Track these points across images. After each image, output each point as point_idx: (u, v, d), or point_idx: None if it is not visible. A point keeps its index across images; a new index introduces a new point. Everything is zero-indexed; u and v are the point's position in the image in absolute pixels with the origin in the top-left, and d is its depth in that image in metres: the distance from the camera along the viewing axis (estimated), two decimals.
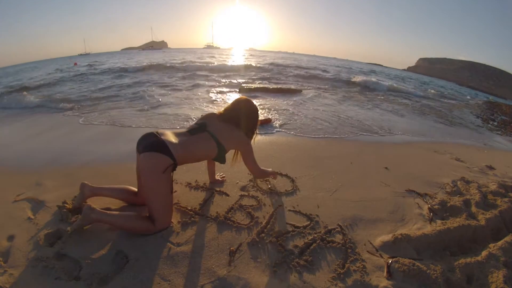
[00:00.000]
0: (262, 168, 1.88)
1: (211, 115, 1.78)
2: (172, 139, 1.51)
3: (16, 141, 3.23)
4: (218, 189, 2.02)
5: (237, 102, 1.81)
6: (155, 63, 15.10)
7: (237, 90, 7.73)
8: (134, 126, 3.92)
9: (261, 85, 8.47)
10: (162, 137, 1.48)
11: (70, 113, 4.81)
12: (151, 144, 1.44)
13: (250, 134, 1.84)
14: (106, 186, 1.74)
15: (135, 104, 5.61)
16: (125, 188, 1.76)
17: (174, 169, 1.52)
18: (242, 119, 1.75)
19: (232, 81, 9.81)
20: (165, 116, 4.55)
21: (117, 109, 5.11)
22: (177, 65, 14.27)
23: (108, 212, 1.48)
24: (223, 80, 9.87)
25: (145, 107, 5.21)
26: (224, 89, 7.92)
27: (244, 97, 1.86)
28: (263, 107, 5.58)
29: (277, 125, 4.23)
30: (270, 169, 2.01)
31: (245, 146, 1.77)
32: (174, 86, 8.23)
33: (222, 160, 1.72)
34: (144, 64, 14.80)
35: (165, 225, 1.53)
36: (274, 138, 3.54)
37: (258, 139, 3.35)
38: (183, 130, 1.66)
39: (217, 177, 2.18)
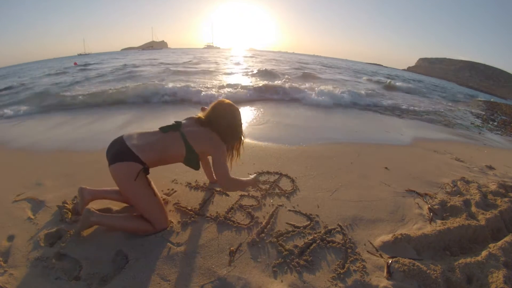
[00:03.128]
0: (234, 178, 1.58)
1: (191, 118, 1.70)
2: (140, 141, 1.46)
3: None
4: (218, 189, 2.02)
5: (216, 106, 1.67)
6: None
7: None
8: None
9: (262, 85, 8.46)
10: (128, 142, 1.43)
11: None
12: (117, 153, 1.41)
13: (230, 139, 1.69)
14: (105, 189, 1.71)
15: None
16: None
17: (147, 172, 1.50)
18: (220, 124, 1.62)
19: None
20: None
21: None
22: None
23: (107, 214, 1.49)
24: None
25: None
26: None
27: (225, 100, 1.72)
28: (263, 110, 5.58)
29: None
30: (250, 177, 1.71)
31: (216, 149, 1.57)
32: None
33: (193, 164, 1.58)
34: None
35: (163, 225, 1.53)
36: (273, 138, 3.54)
37: (258, 139, 3.35)
38: (155, 129, 1.58)
39: None
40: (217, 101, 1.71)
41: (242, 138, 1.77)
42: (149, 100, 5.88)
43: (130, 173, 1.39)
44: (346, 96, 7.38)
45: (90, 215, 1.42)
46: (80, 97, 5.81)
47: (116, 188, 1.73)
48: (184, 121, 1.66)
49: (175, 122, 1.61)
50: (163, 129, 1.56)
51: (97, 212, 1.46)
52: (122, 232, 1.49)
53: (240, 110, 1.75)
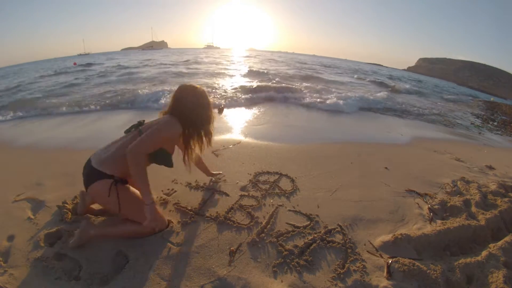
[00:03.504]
0: (144, 166, 1.37)
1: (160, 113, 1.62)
2: (103, 155, 1.41)
3: None
4: (218, 189, 2.02)
5: (177, 91, 1.55)
6: None
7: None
8: None
9: (264, 84, 8.46)
10: (93, 161, 1.41)
11: None
12: (86, 177, 1.41)
13: (198, 124, 1.56)
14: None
15: None
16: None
17: (124, 182, 1.44)
18: (182, 109, 1.50)
19: None
20: None
21: None
22: None
23: (106, 226, 1.48)
24: None
25: None
26: None
27: (187, 83, 1.58)
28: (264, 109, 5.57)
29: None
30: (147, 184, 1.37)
31: (156, 125, 1.44)
32: None
33: (160, 160, 1.48)
34: None
35: (162, 226, 1.51)
36: (274, 138, 3.54)
37: (258, 139, 3.35)
38: (122, 134, 1.52)
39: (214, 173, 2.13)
40: (180, 86, 1.58)
41: (212, 120, 1.62)
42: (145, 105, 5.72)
43: (103, 191, 1.35)
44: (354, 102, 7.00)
45: (89, 228, 1.39)
46: (63, 108, 5.29)
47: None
48: (145, 119, 1.57)
49: (138, 121, 1.54)
50: (126, 131, 1.52)
51: (96, 224, 1.48)
52: None
53: (206, 92, 1.61)
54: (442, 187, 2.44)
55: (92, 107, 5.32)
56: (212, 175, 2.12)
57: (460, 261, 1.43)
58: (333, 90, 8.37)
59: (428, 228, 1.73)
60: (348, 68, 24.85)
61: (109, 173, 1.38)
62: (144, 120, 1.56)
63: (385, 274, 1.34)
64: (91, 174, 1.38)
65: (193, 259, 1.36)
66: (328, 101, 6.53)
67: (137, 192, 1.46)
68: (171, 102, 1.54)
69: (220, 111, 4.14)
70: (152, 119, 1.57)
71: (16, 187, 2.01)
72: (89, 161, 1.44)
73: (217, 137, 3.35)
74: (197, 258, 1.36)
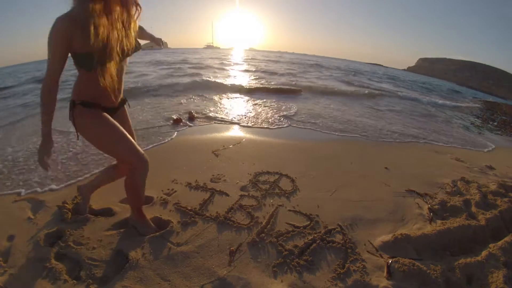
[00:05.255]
0: (52, 92, 1.18)
1: None
2: None
3: None
4: (218, 189, 2.02)
5: None
6: None
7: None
8: None
9: (261, 86, 8.47)
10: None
11: None
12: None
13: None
14: (97, 175, 1.72)
15: None
16: (108, 167, 1.69)
17: (88, 106, 1.26)
18: None
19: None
20: None
21: None
22: None
23: (93, 180, 1.67)
24: None
25: None
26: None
27: None
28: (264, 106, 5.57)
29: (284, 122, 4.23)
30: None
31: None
32: None
33: (80, 64, 1.20)
34: None
35: (139, 159, 1.32)
36: (274, 138, 3.54)
37: (258, 139, 3.35)
38: None
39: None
40: None
41: None
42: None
43: (70, 120, 1.27)
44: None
45: (83, 189, 1.63)
46: None
47: (102, 170, 1.77)
48: None
49: None
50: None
51: (84, 184, 1.68)
52: (122, 231, 1.49)
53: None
54: (442, 187, 2.44)
55: None
56: (155, 40, 1.76)
57: (460, 261, 1.43)
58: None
59: (428, 228, 1.73)
60: (345, 69, 24.27)
61: (71, 100, 1.26)
62: None
63: (385, 274, 1.34)
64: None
65: (193, 259, 1.36)
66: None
67: (105, 118, 1.30)
68: None
69: (191, 118, 4.07)
70: None
71: (16, 187, 2.02)
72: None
73: (217, 137, 3.36)
74: (197, 258, 1.36)
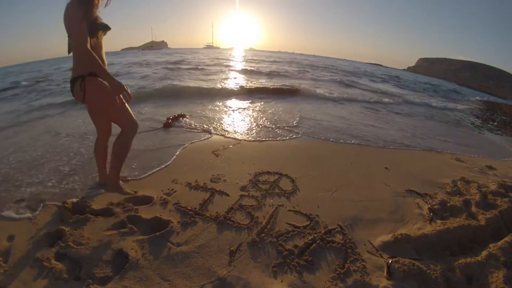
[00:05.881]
0: (87, 49, 1.44)
1: None
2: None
3: None
4: (218, 189, 2.02)
5: None
6: None
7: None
8: None
9: (261, 86, 8.47)
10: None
11: None
12: (72, 92, 1.66)
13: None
14: (98, 162, 1.97)
15: None
16: (98, 150, 1.94)
17: (93, 75, 1.58)
18: None
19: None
20: None
21: None
22: None
23: (110, 169, 1.88)
24: None
25: None
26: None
27: None
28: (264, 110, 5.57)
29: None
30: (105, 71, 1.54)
31: (68, 12, 1.45)
32: None
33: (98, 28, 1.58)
34: None
35: (134, 124, 1.77)
36: (274, 139, 3.55)
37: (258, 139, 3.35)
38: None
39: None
40: None
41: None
42: None
43: (77, 91, 1.59)
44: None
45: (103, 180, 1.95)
46: None
47: (100, 152, 1.93)
48: None
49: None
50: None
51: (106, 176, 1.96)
52: (122, 231, 1.49)
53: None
54: (442, 187, 2.44)
55: None
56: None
57: (460, 261, 1.43)
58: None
59: (428, 228, 1.73)
60: (344, 69, 23.94)
61: (76, 76, 1.58)
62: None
63: (385, 274, 1.34)
64: (71, 86, 1.62)
65: (193, 259, 1.36)
66: None
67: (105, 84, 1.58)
68: None
69: (166, 125, 3.80)
70: None
71: (16, 187, 2.02)
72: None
73: (217, 137, 3.36)
74: (197, 258, 1.36)
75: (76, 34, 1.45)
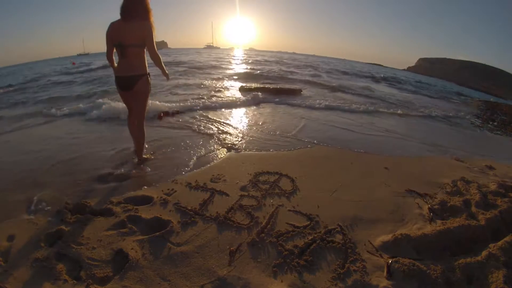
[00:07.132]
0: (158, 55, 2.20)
1: (115, 27, 2.07)
2: (132, 67, 2.16)
3: None
4: (218, 189, 2.02)
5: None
6: None
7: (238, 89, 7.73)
8: None
9: (261, 85, 8.46)
10: (129, 73, 2.17)
11: None
12: (128, 83, 2.20)
13: (146, 13, 2.10)
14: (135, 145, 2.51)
15: None
16: (133, 135, 2.50)
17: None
18: (136, 5, 2.04)
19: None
20: None
21: None
22: None
23: (140, 151, 2.44)
24: None
25: None
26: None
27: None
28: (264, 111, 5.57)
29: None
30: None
31: (147, 31, 2.07)
32: None
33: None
34: None
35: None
36: (274, 139, 3.55)
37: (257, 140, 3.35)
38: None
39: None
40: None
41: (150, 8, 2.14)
42: None
43: (144, 84, 2.23)
44: None
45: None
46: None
47: (134, 139, 2.49)
48: (120, 41, 2.10)
49: (119, 42, 2.10)
50: (121, 52, 2.16)
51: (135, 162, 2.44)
52: (122, 231, 1.49)
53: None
54: (442, 187, 2.44)
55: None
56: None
57: (460, 261, 1.43)
58: None
59: (428, 228, 1.73)
60: (344, 69, 23.58)
61: (143, 73, 2.20)
62: (120, 43, 2.09)
63: (385, 274, 1.34)
64: (133, 78, 2.17)
65: (193, 259, 1.36)
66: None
67: None
68: (128, 6, 2.04)
69: (160, 117, 4.15)
70: (120, 33, 2.07)
71: (16, 187, 2.01)
72: (123, 77, 2.19)
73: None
74: (197, 258, 1.36)
75: (154, 44, 2.13)
